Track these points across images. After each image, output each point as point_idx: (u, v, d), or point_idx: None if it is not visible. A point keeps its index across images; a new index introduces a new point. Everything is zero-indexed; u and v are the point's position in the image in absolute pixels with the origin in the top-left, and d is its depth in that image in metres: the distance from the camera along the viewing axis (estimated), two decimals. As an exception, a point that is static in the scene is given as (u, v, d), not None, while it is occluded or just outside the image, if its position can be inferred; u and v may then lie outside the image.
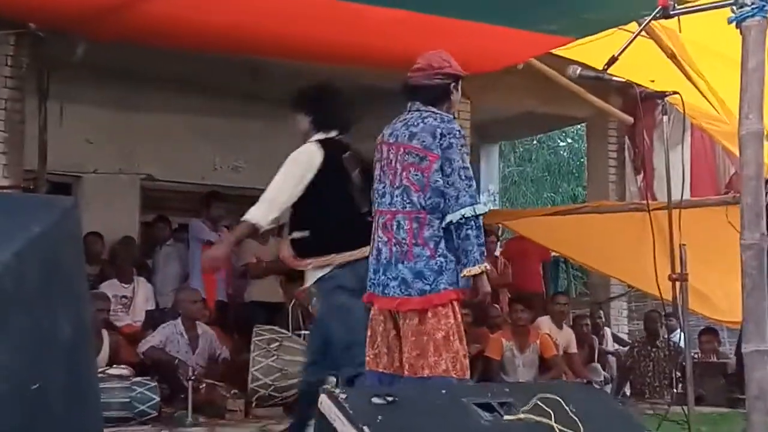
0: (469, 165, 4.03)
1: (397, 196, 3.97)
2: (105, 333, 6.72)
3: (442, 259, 3.95)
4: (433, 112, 4.08)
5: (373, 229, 4.07)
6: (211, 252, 5.14)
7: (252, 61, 8.22)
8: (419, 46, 6.22)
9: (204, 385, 6.52)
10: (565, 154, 21.44)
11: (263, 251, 8.27)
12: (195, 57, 8.09)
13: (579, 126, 14.26)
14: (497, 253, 9.97)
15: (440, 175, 3.95)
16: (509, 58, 7.62)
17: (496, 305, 8.88)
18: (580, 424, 3.04)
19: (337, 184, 4.58)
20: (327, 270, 4.47)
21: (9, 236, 2.06)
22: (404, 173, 3.97)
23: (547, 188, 20.96)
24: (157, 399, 6.04)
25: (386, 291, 3.96)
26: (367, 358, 4.08)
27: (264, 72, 8.61)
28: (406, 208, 3.94)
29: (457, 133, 4.02)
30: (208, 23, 6.37)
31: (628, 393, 8.86)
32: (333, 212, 4.50)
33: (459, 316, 4.01)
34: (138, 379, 6.12)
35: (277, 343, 6.44)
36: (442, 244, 3.96)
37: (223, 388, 6.55)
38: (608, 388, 8.70)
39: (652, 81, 6.69)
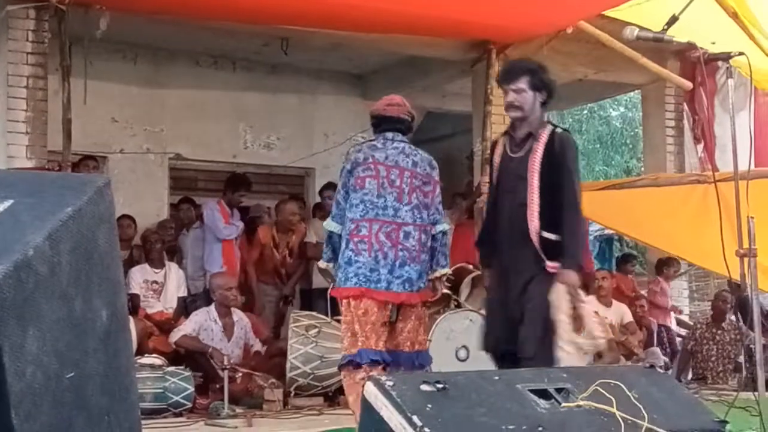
0: None
1: (407, 212, 4.96)
2: (131, 319, 6.64)
3: (429, 263, 5.08)
4: (412, 145, 5.12)
5: (368, 234, 4.91)
6: None
7: (283, 31, 8.21)
8: (462, 11, 6.22)
9: (240, 374, 6.57)
10: (617, 124, 21.22)
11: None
12: (223, 30, 8.11)
13: (633, 93, 14.10)
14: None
15: (440, 197, 5.13)
16: (557, 22, 7.55)
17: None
18: (644, 411, 3.01)
19: None
20: None
21: (40, 217, 2.05)
22: (413, 194, 5.00)
23: (599, 161, 20.76)
24: (192, 389, 6.09)
25: (390, 287, 4.89)
26: (370, 342, 4.84)
27: (296, 43, 8.61)
28: (416, 221, 4.98)
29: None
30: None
31: (689, 378, 8.77)
32: None
33: None
34: (171, 368, 6.16)
35: (315, 330, 6.46)
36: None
37: (260, 377, 6.59)
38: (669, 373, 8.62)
39: (713, 43, 6.59)
